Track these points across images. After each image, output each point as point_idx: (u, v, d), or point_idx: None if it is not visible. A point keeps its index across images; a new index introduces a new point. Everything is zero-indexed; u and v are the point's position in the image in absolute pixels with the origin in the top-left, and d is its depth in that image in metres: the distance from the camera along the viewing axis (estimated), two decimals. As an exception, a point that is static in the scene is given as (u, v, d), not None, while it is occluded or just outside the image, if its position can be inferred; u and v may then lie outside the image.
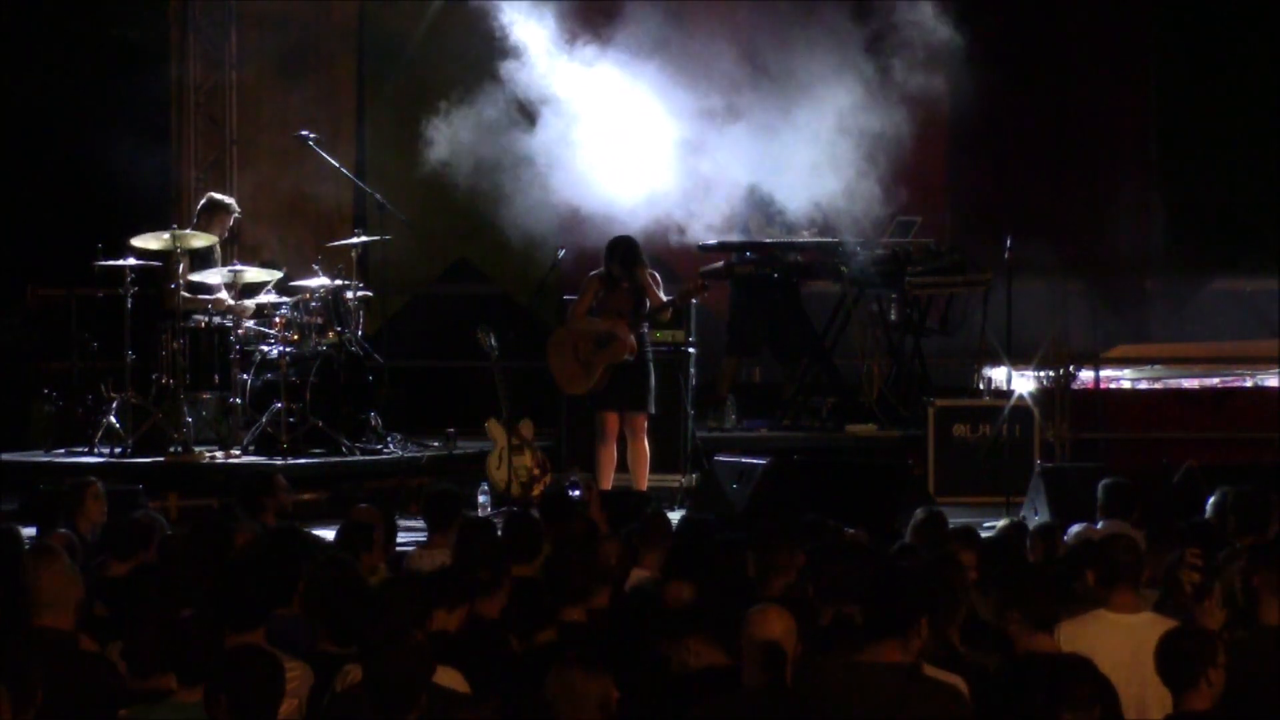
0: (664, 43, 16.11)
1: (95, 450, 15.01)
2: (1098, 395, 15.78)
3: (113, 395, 15.14)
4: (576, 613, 8.05)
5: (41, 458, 15.19)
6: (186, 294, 15.19)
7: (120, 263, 15.01)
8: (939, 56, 16.38)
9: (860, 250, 16.09)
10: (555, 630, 7.86)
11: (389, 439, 15.31)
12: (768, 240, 16.19)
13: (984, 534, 10.04)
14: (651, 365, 14.25)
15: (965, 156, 18.31)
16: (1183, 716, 6.79)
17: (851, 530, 10.15)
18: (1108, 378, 16.35)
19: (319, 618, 7.76)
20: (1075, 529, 10.46)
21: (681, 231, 15.77)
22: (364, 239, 15.63)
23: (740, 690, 6.90)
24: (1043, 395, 15.20)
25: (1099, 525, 10.56)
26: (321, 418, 14.85)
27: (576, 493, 12.51)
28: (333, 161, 15.60)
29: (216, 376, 15.03)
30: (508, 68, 15.61)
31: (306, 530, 10.57)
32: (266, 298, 15.32)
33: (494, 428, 14.37)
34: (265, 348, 15.11)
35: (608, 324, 14.10)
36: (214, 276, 15.27)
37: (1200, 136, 18.63)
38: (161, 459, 14.68)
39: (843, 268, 16.05)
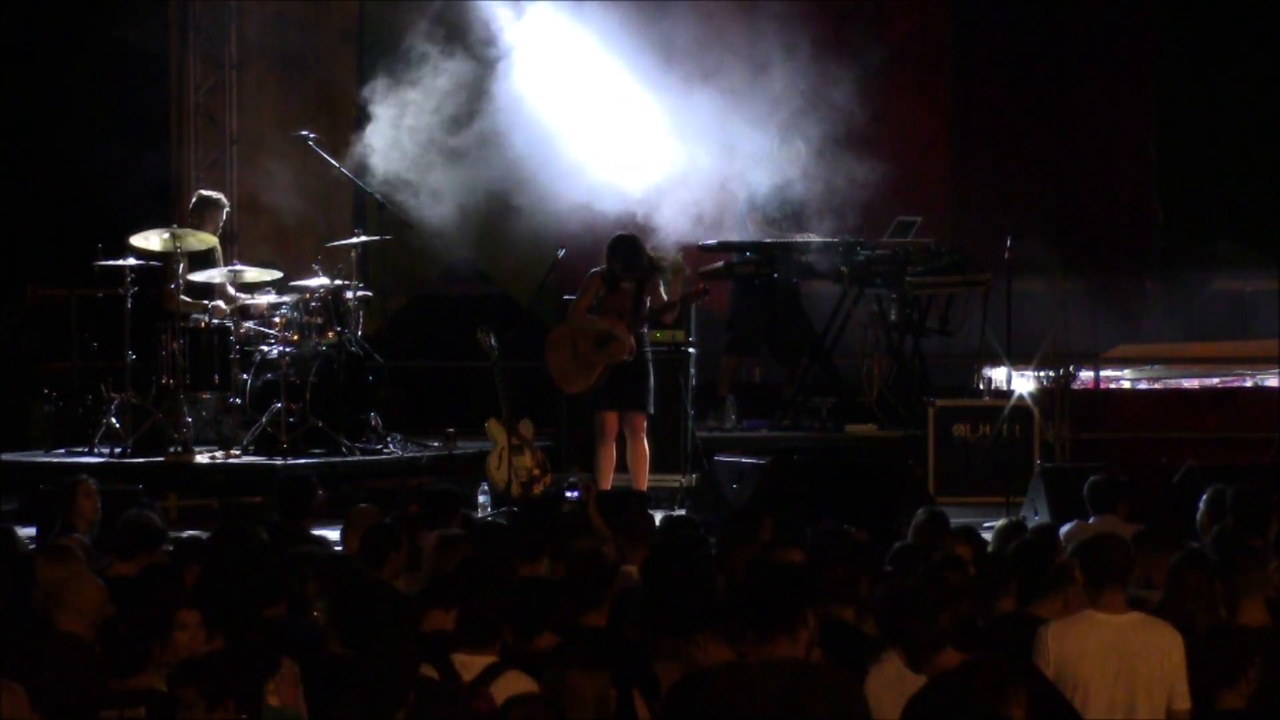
0: (667, 44, 16.16)
1: (95, 450, 15.00)
2: (1098, 395, 15.79)
3: (113, 395, 15.14)
4: (595, 618, 8.05)
5: (41, 458, 15.19)
6: (186, 297, 15.19)
7: (120, 263, 15.00)
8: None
9: (860, 250, 16.09)
10: (569, 635, 7.87)
11: (389, 439, 15.31)
12: (768, 240, 16.19)
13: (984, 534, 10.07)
14: (651, 365, 14.24)
15: (965, 156, 18.31)
16: (1221, 715, 6.79)
17: (852, 529, 10.17)
18: (1108, 378, 16.36)
19: (330, 619, 7.77)
20: (1067, 527, 10.50)
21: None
22: (364, 239, 15.62)
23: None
24: (1043, 395, 15.20)
25: (1090, 522, 10.59)
26: (321, 418, 14.85)
27: (574, 494, 12.53)
28: (332, 161, 15.61)
29: (216, 376, 15.02)
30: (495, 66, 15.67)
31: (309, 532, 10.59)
32: (266, 298, 15.31)
33: (494, 428, 14.37)
34: (265, 348, 15.11)
35: (607, 323, 14.09)
36: (214, 276, 15.27)
37: (1200, 136, 18.62)
38: (161, 459, 14.68)
39: (843, 268, 16.05)
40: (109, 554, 9.61)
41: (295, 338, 15.07)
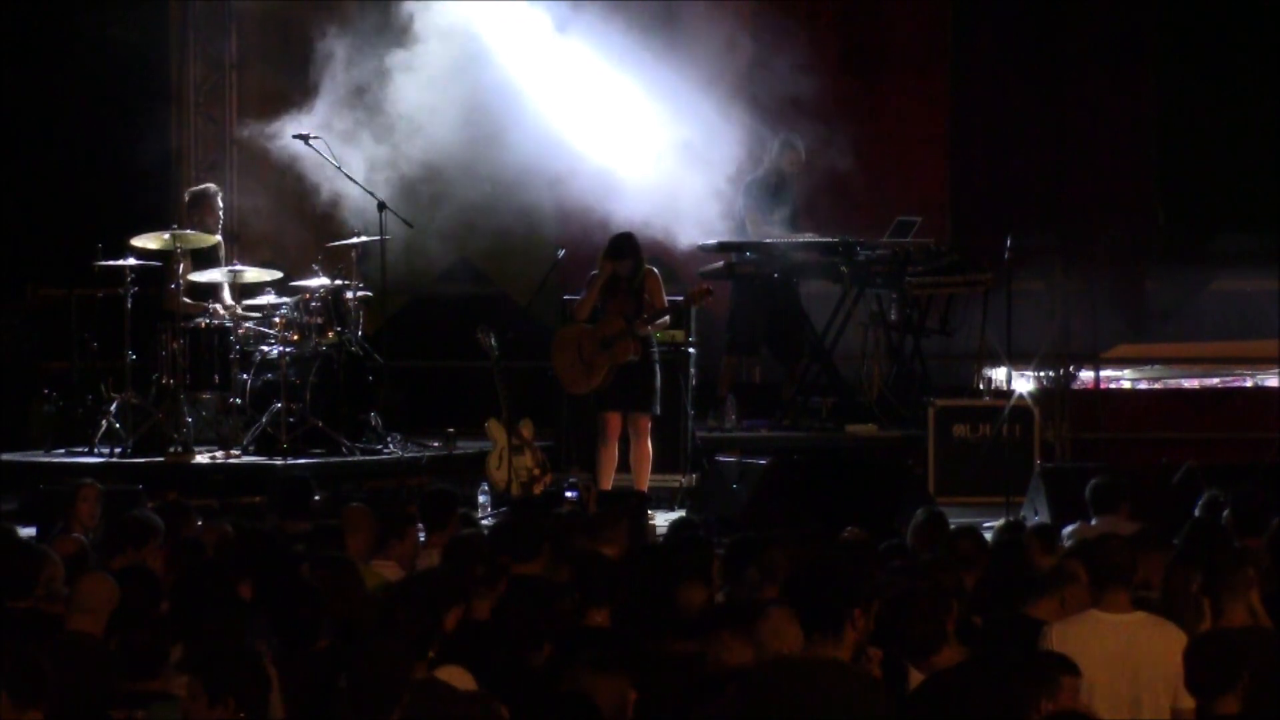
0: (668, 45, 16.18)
1: (95, 450, 15.00)
2: (1098, 395, 15.79)
3: (113, 395, 15.14)
4: (600, 616, 8.05)
5: (41, 458, 15.18)
6: (187, 298, 15.18)
7: (120, 263, 15.00)
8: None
9: (860, 250, 16.09)
10: (572, 635, 7.87)
11: (389, 439, 15.30)
12: (768, 240, 16.19)
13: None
14: (657, 366, 14.24)
15: (965, 156, 18.31)
16: None
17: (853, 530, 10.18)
18: (1108, 378, 16.36)
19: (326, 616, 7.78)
20: (1069, 528, 10.50)
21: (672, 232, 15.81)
22: (364, 239, 15.62)
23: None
24: (1043, 395, 15.20)
25: (1093, 523, 10.59)
26: (321, 418, 14.85)
27: (573, 494, 12.54)
28: (332, 161, 15.59)
29: (216, 376, 15.01)
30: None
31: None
32: (266, 298, 15.31)
33: (494, 428, 14.37)
34: (265, 348, 15.11)
35: (613, 325, 14.07)
36: (215, 276, 15.26)
37: (1200, 136, 18.62)
38: (161, 459, 14.67)
39: (843, 268, 16.05)
40: (103, 553, 9.62)
41: (295, 338, 15.07)
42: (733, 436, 15.86)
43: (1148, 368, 16.95)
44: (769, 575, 8.32)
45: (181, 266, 15.14)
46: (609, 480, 14.10)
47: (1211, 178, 18.66)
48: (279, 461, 14.44)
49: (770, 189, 16.32)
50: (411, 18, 16.10)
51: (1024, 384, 15.35)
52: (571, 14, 16.29)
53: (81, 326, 15.77)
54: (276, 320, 15.14)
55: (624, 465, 14.30)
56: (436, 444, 15.56)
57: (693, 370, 15.12)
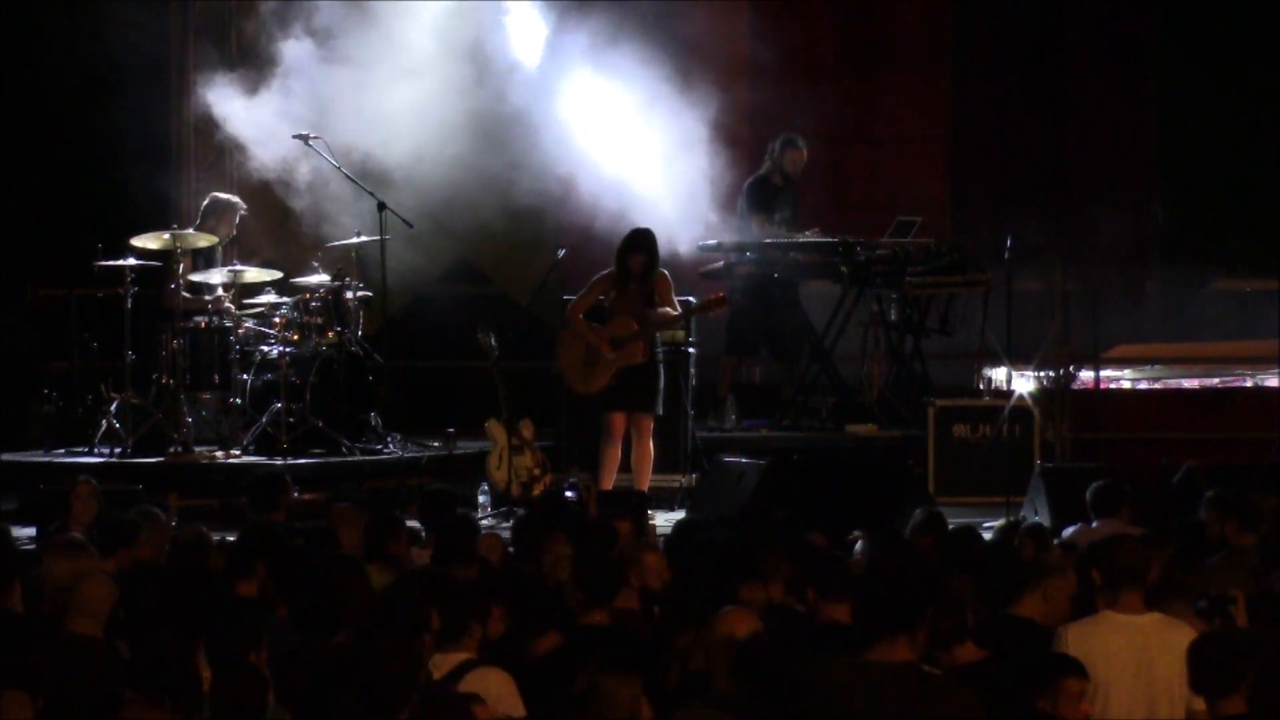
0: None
1: (95, 450, 15.00)
2: (1098, 395, 15.80)
3: (113, 395, 15.13)
4: (599, 615, 8.05)
5: (41, 458, 15.18)
6: (187, 294, 15.19)
7: (120, 263, 14.99)
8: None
9: (860, 250, 16.09)
10: (573, 633, 7.87)
11: (389, 439, 15.30)
12: (768, 240, 16.19)
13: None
14: (661, 367, 14.23)
15: (965, 156, 18.32)
16: None
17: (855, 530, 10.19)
18: (1108, 378, 16.37)
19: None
20: (1069, 530, 10.50)
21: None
22: (364, 239, 15.63)
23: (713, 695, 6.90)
24: (1043, 395, 15.20)
25: (1093, 525, 10.59)
26: (321, 418, 14.85)
27: (573, 494, 12.53)
28: (332, 161, 15.59)
29: (216, 376, 15.02)
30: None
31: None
32: (266, 298, 15.31)
33: (494, 428, 14.37)
34: (265, 348, 15.10)
35: (622, 326, 14.06)
36: (214, 276, 15.27)
37: (1200, 137, 18.62)
38: (161, 459, 14.67)
39: (843, 268, 16.05)
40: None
41: (295, 338, 15.07)
42: (733, 436, 15.87)
43: (1148, 368, 16.96)
44: (772, 574, 8.35)
45: (181, 266, 15.14)
46: (611, 479, 14.09)
47: (1211, 177, 18.66)
48: (279, 461, 14.44)
49: (771, 189, 16.32)
50: (412, 20, 16.13)
51: (1024, 384, 15.34)
52: (572, 14, 16.29)
53: (81, 326, 15.76)
54: (276, 320, 15.14)
55: (624, 465, 14.29)
56: (436, 444, 15.56)
57: (693, 370, 15.12)
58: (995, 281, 15.79)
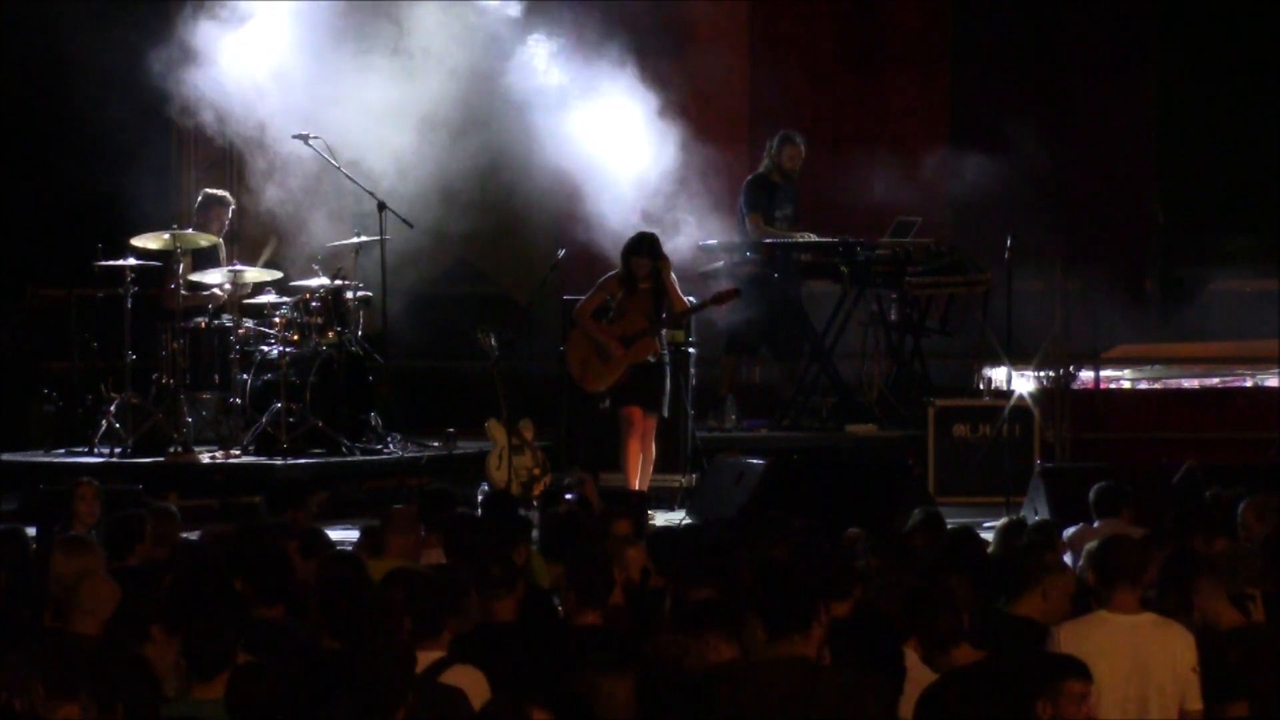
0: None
1: (95, 450, 15.00)
2: (1098, 395, 15.80)
3: (113, 395, 15.13)
4: (592, 616, 8.05)
5: (41, 458, 15.18)
6: (186, 293, 15.19)
7: (120, 263, 15.00)
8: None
9: (860, 250, 16.09)
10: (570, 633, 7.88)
11: (389, 439, 15.30)
12: (768, 240, 16.19)
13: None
14: (668, 369, 14.23)
15: (965, 157, 18.31)
16: None
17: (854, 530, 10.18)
18: (1108, 378, 16.37)
19: (326, 614, 7.78)
20: (1071, 530, 10.50)
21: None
22: (364, 239, 15.63)
23: None
24: (1043, 395, 15.20)
25: (1095, 525, 10.59)
26: (321, 418, 14.84)
27: (571, 495, 12.53)
28: (332, 161, 15.59)
29: (216, 376, 15.02)
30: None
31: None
32: (267, 298, 15.31)
33: (494, 428, 14.37)
34: (265, 348, 15.10)
35: (632, 324, 14.06)
36: (215, 277, 15.27)
37: (1200, 136, 18.62)
38: (161, 459, 14.67)
39: (843, 268, 16.05)
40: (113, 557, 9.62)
41: (295, 338, 15.06)
42: (733, 436, 15.86)
43: (1148, 368, 16.96)
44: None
45: (181, 266, 15.14)
46: (635, 477, 13.97)
47: (1211, 177, 18.66)
48: (279, 461, 14.44)
49: (770, 187, 16.31)
50: (413, 21, 16.13)
51: (1024, 384, 15.35)
52: (572, 14, 16.30)
53: (81, 326, 15.76)
54: (276, 320, 15.14)
55: (614, 464, 14.27)
56: (436, 444, 15.56)
57: (693, 370, 15.12)
58: (995, 281, 15.79)
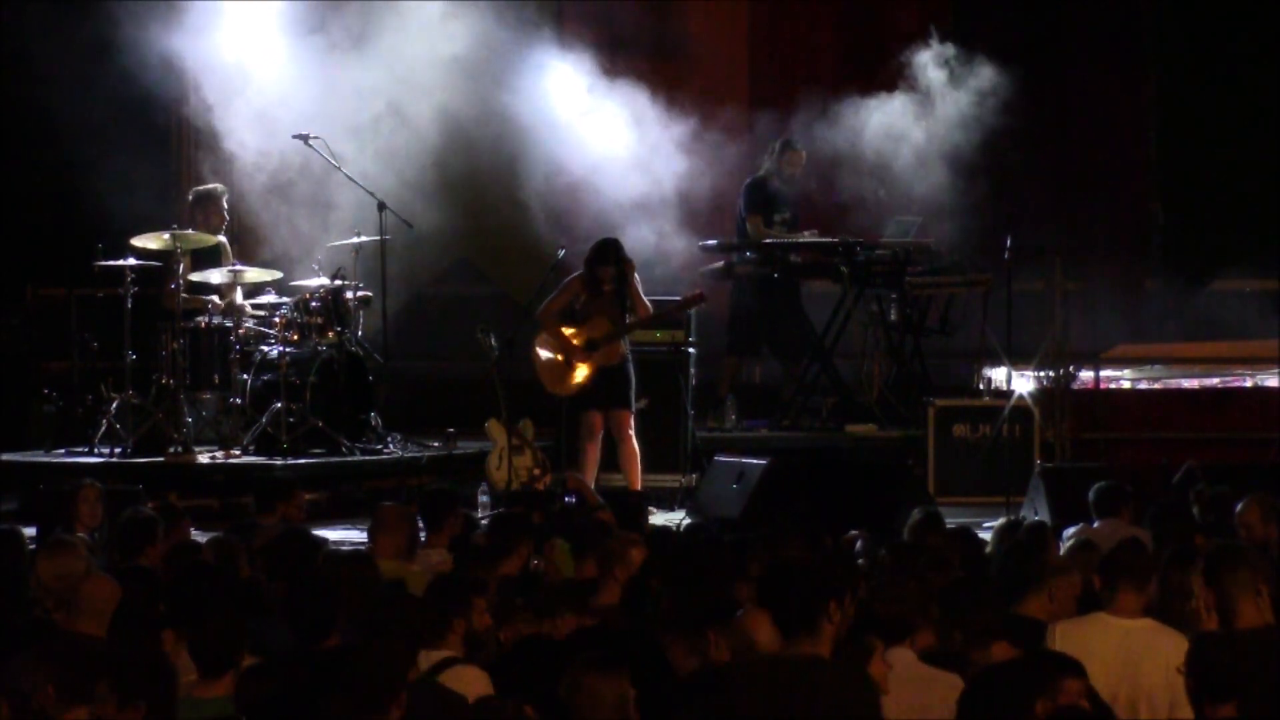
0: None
1: (95, 450, 15.00)
2: (1098, 395, 15.79)
3: (113, 395, 15.13)
4: (585, 618, 8.06)
5: (41, 458, 15.18)
6: (186, 294, 15.19)
7: (120, 263, 15.00)
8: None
9: (860, 250, 16.10)
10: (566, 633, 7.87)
11: (389, 439, 15.31)
12: (768, 240, 16.19)
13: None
14: (631, 366, 14.28)
15: (965, 156, 18.31)
16: None
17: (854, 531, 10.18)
18: (1108, 378, 16.36)
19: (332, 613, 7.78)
20: (1070, 531, 10.49)
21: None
22: (364, 239, 15.63)
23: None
24: (1043, 395, 15.20)
25: (1095, 525, 10.60)
26: (321, 418, 14.85)
27: (571, 498, 12.56)
28: (332, 161, 15.60)
29: (216, 376, 15.03)
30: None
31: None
32: (267, 298, 15.32)
33: (494, 428, 14.37)
34: (265, 348, 15.10)
35: (600, 327, 14.08)
36: (215, 276, 15.26)
37: (1200, 137, 18.62)
38: (161, 459, 14.67)
39: (843, 268, 16.05)
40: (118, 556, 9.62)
41: (295, 338, 15.07)
42: (733, 436, 15.87)
43: (1148, 368, 16.95)
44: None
45: (181, 266, 15.14)
46: (592, 477, 14.12)
47: (1211, 177, 18.65)
48: (279, 461, 14.44)
49: (770, 190, 16.32)
50: (413, 20, 16.14)
51: (1024, 384, 15.34)
52: (571, 15, 16.31)
53: (81, 326, 15.76)
54: (276, 320, 15.14)
55: (611, 464, 14.30)
56: (436, 444, 15.57)
57: (693, 370, 15.12)
58: (995, 281, 15.79)
